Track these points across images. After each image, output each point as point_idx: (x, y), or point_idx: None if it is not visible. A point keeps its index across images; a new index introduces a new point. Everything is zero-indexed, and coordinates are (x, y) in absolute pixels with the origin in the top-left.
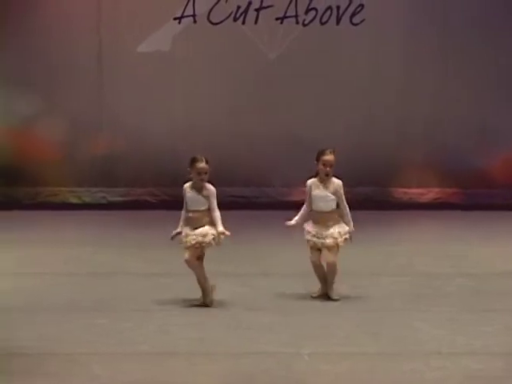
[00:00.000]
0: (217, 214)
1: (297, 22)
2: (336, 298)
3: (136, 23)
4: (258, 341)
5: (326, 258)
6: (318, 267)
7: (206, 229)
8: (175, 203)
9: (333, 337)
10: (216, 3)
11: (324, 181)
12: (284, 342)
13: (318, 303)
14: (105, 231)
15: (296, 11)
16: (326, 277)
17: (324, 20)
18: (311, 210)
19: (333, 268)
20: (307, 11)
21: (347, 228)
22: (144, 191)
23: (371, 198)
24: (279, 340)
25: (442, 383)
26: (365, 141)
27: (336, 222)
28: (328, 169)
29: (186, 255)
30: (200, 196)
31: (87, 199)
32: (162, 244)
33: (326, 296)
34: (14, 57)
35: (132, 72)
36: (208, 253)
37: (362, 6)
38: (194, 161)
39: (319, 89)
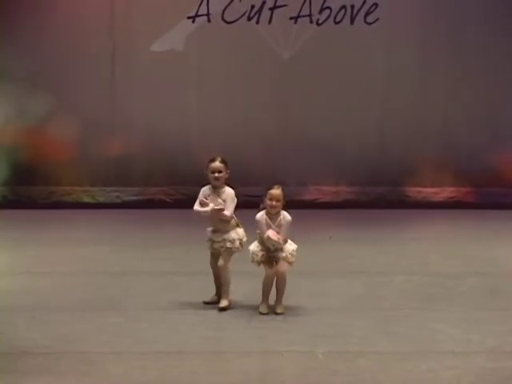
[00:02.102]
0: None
1: (311, 22)
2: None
3: (149, 22)
4: (271, 340)
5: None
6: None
7: (232, 235)
8: (189, 202)
9: (347, 336)
10: (230, 2)
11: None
12: (297, 341)
13: (332, 302)
14: (119, 230)
15: (310, 10)
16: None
17: (338, 19)
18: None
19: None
20: (321, 10)
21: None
22: (158, 190)
23: (385, 197)
24: (292, 339)
25: (455, 382)
26: (379, 140)
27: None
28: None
29: (221, 261)
30: (219, 200)
31: (101, 198)
32: (176, 243)
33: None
34: (28, 57)
35: (145, 71)
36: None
37: (376, 4)
38: (209, 161)
39: (333, 88)
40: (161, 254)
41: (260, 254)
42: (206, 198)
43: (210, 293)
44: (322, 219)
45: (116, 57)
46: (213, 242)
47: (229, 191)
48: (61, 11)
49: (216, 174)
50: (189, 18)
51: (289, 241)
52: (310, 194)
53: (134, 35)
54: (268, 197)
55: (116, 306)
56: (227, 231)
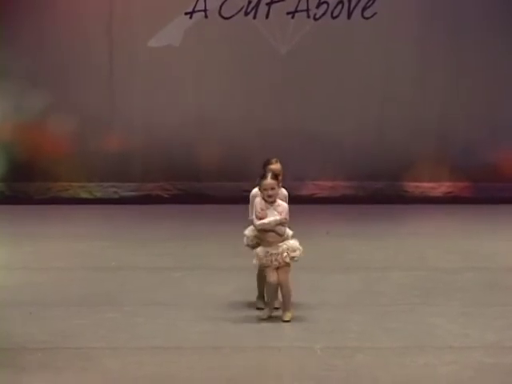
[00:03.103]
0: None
1: (308, 16)
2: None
3: (147, 18)
4: (268, 335)
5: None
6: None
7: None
8: (187, 197)
9: (344, 331)
10: None
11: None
12: (295, 336)
13: (330, 298)
14: (116, 226)
15: (307, 5)
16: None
17: (335, 14)
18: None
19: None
20: (318, 5)
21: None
22: (156, 186)
23: (383, 192)
24: (290, 334)
25: (454, 377)
26: (377, 135)
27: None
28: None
29: (283, 276)
30: (275, 213)
31: (98, 194)
32: (173, 238)
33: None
34: (26, 53)
35: (143, 67)
36: (220, 247)
37: None
38: (261, 177)
39: (331, 83)
40: (158, 249)
41: (255, 238)
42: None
43: (207, 288)
44: (320, 214)
45: (114, 52)
46: (269, 254)
47: (283, 205)
48: (59, 9)
49: (269, 192)
50: (186, 13)
51: (288, 231)
52: (308, 188)
53: (131, 31)
54: (263, 187)
55: (113, 301)
56: (280, 244)
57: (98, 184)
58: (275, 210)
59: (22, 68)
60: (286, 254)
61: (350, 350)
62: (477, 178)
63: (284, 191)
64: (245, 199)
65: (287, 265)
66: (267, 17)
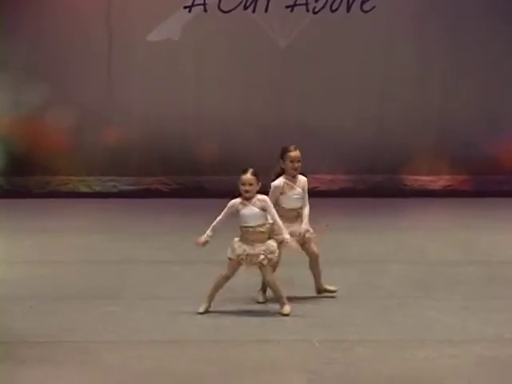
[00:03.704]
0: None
1: (307, 10)
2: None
3: (146, 12)
4: (268, 328)
5: (312, 249)
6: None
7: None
8: (186, 191)
9: (344, 324)
10: None
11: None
12: (294, 329)
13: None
14: (115, 220)
15: None
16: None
17: (334, 7)
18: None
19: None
20: None
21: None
22: (154, 180)
23: (382, 186)
24: (289, 328)
25: (453, 370)
26: (376, 128)
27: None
28: (297, 165)
29: (269, 276)
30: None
31: (97, 188)
32: (173, 232)
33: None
34: (25, 47)
35: (142, 61)
36: (218, 241)
37: None
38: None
39: (330, 77)
40: (158, 243)
41: (239, 250)
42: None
43: (206, 282)
44: (319, 208)
45: (113, 46)
46: (245, 254)
47: (267, 202)
48: (58, 3)
49: (247, 187)
50: (185, 7)
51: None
52: (307, 182)
53: (130, 25)
54: (289, 159)
55: (113, 295)
56: (264, 243)
57: (98, 178)
58: (253, 205)
59: (21, 61)
60: (263, 256)
61: (349, 343)
62: (476, 171)
63: (304, 178)
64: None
65: (264, 265)
66: (266, 10)
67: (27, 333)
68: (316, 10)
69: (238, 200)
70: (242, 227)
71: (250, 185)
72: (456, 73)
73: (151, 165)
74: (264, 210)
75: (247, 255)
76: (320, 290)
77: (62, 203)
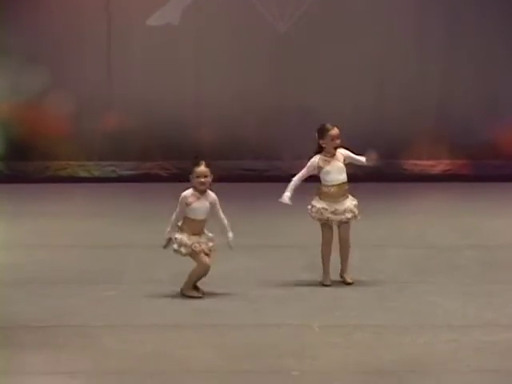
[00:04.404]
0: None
1: None
2: (350, 281)
3: None
4: (267, 313)
5: (343, 234)
6: (329, 246)
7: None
8: (185, 176)
9: (343, 309)
10: None
11: (334, 155)
12: (293, 314)
13: None
14: (115, 204)
15: None
16: (343, 255)
17: None
18: (323, 186)
19: (348, 243)
20: None
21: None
22: (154, 165)
23: (382, 170)
24: (289, 312)
25: (453, 355)
26: (376, 113)
27: (347, 196)
28: (338, 141)
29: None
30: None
31: (96, 173)
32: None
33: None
34: (24, 32)
35: (141, 46)
36: (216, 225)
37: None
38: (193, 164)
39: (330, 62)
40: (157, 227)
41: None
42: None
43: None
44: None
45: (112, 31)
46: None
47: (214, 196)
48: None
49: (202, 179)
50: None
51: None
52: None
53: (129, 10)
54: (330, 138)
55: (112, 279)
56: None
57: (97, 163)
58: (206, 199)
59: (20, 47)
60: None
61: (349, 328)
62: (476, 156)
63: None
64: (242, 177)
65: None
66: None
67: (27, 317)
68: None
69: (189, 192)
70: (190, 219)
71: (205, 177)
72: (455, 58)
73: (150, 150)
74: (212, 204)
75: (199, 243)
76: (341, 276)
77: (61, 188)
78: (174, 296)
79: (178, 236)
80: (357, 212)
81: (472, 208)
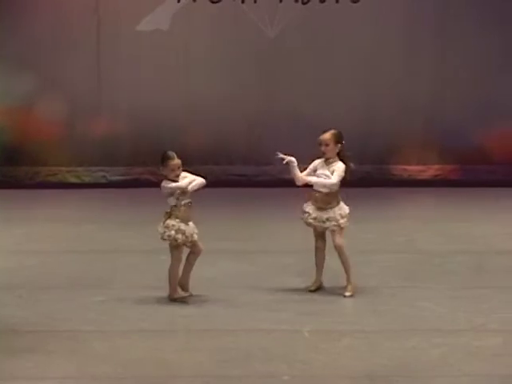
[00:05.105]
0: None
1: (296, 1)
2: (345, 294)
3: (135, 2)
4: (258, 318)
5: (333, 241)
6: (318, 252)
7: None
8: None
9: (333, 314)
10: None
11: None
12: (283, 319)
13: None
14: (105, 209)
15: None
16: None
17: None
18: (312, 189)
19: (342, 250)
20: None
21: (347, 209)
22: (144, 170)
23: (371, 175)
24: (278, 317)
25: (443, 360)
26: (365, 118)
27: (337, 205)
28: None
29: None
30: None
31: (87, 179)
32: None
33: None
34: (13, 37)
35: (131, 51)
36: (207, 230)
37: None
38: (165, 158)
39: (319, 67)
40: (147, 232)
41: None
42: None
43: (195, 271)
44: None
45: (101, 37)
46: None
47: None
48: None
49: (177, 172)
50: None
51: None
52: None
53: (119, 15)
54: (171, 167)
55: (102, 284)
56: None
57: (87, 168)
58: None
59: (9, 51)
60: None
61: (338, 333)
62: (465, 161)
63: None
64: (232, 183)
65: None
66: (255, 1)
67: (17, 322)
68: (305, 0)
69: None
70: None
71: (179, 168)
72: (445, 61)
73: (140, 155)
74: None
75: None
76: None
77: (51, 194)
78: (163, 301)
79: (175, 223)
80: (342, 222)
81: (462, 213)
